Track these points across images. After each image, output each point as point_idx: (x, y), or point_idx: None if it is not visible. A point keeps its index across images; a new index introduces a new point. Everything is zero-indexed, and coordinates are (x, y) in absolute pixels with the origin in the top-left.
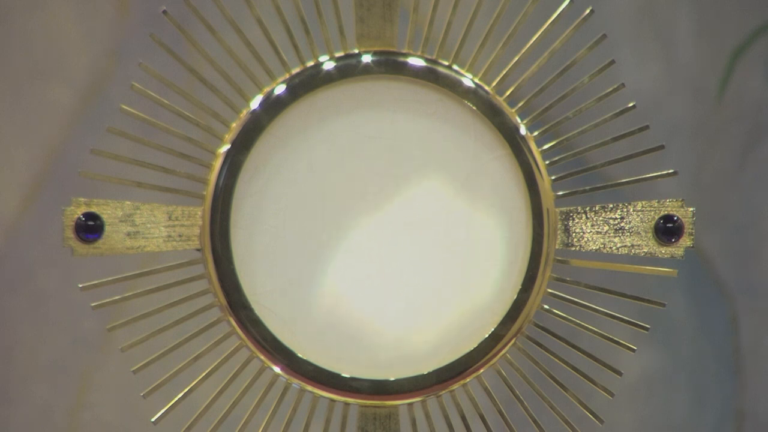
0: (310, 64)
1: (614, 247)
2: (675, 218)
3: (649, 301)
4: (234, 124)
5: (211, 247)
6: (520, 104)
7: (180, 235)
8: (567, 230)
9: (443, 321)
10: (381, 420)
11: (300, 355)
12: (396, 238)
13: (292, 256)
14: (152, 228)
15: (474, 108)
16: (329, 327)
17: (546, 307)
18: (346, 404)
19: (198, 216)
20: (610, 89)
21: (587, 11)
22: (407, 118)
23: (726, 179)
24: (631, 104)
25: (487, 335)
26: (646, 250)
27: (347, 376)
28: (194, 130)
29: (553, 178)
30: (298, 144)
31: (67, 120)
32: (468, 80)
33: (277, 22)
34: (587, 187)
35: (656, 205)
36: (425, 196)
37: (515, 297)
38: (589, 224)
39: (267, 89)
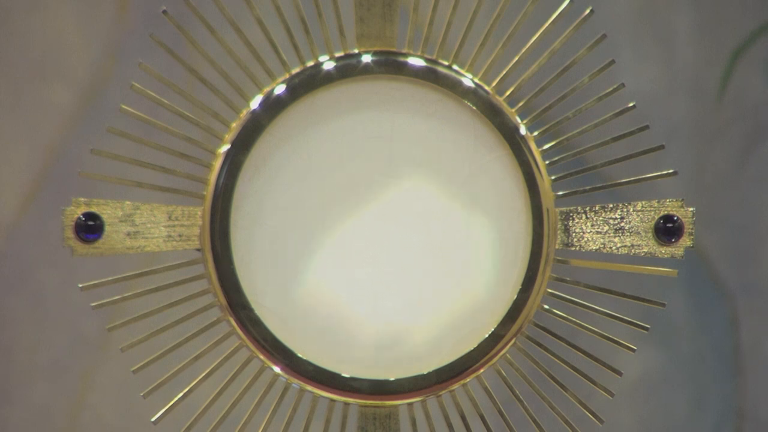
0: (310, 64)
1: (614, 247)
2: (675, 218)
3: (649, 301)
4: (234, 124)
5: (211, 247)
6: (520, 104)
7: (180, 235)
8: (567, 230)
9: (443, 321)
10: (381, 420)
11: (300, 355)
12: (396, 238)
13: (292, 256)
14: (152, 228)
15: (474, 108)
16: (329, 327)
17: (546, 307)
18: (346, 404)
19: (198, 216)
20: (610, 89)
21: (587, 11)
22: (407, 118)
23: (726, 179)
24: (631, 104)
25: (487, 335)
26: (646, 250)
27: (347, 376)
28: (194, 130)
29: (553, 178)
30: (298, 144)
31: (67, 120)
32: (468, 80)
33: (277, 22)
34: (587, 187)
35: (656, 205)
36: (425, 197)
37: (515, 297)
38: (589, 224)
39: (267, 89)
